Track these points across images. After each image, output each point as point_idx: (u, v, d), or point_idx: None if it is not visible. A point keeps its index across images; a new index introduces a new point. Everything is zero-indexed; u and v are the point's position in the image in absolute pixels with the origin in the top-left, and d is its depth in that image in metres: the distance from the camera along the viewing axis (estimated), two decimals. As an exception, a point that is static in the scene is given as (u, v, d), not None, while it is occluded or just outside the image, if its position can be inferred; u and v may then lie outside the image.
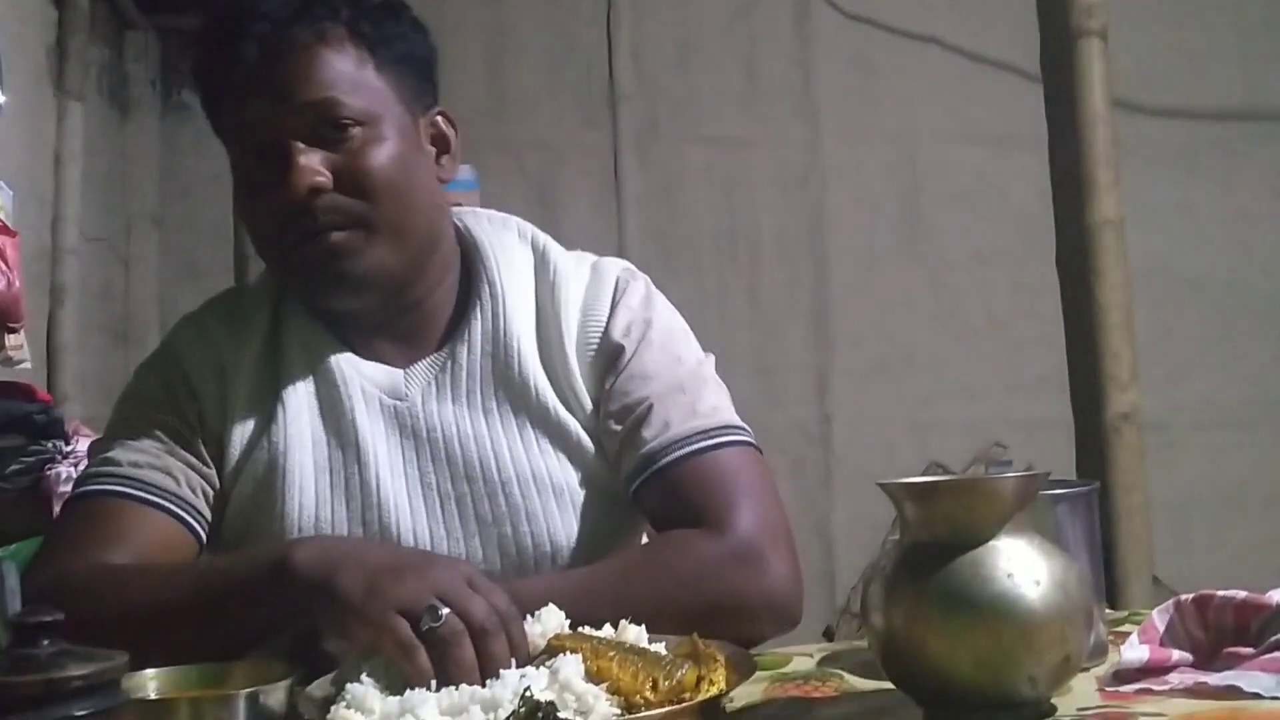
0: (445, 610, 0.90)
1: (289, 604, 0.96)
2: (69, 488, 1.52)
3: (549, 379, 1.21)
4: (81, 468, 1.25)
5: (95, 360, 3.36)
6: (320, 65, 1.13)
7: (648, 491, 1.16)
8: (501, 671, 0.89)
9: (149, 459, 1.17)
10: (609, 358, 1.22)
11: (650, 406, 1.18)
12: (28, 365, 2.72)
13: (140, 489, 1.15)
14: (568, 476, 1.18)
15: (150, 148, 3.82)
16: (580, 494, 1.18)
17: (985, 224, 3.75)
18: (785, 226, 3.80)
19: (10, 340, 2.61)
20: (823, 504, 3.65)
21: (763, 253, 3.80)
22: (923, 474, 1.14)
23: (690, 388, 1.21)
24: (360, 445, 1.17)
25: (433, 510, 1.16)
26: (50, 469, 2.39)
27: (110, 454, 1.18)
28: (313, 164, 1.12)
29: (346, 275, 1.14)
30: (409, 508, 1.16)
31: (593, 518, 1.18)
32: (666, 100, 3.83)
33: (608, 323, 1.23)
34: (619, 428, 1.19)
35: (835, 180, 3.81)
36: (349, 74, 1.14)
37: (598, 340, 1.23)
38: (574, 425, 1.20)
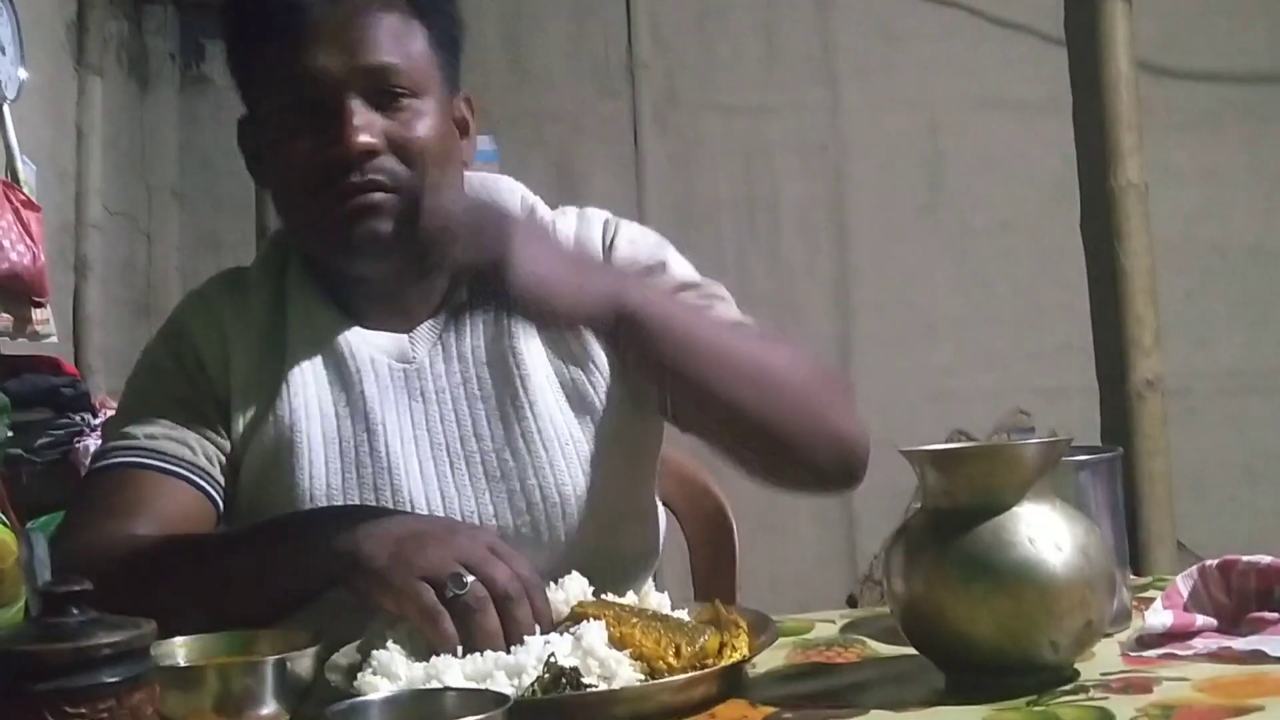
0: (470, 577, 0.91)
1: (314, 572, 0.97)
2: (96, 460, 1.54)
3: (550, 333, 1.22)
4: (102, 443, 1.26)
5: (119, 334, 3.38)
6: (386, 30, 1.14)
7: None
8: (525, 638, 0.90)
9: (164, 430, 1.18)
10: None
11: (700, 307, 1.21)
12: (54, 339, 2.75)
13: (158, 459, 1.16)
14: (573, 429, 1.19)
15: (170, 121, 3.83)
16: (587, 446, 1.19)
17: (1008, 190, 3.72)
18: (805, 195, 3.78)
19: (37, 314, 2.63)
20: (844, 472, 3.64)
21: (783, 221, 3.78)
22: (945, 441, 1.14)
23: (716, 294, 1.25)
24: (369, 414, 1.18)
25: (443, 472, 1.17)
26: (78, 441, 2.42)
27: (126, 428, 1.19)
28: (370, 124, 1.12)
29: (379, 235, 1.14)
30: (419, 472, 1.17)
31: (602, 469, 1.19)
32: (685, 69, 3.81)
33: (608, 255, 1.24)
34: None
35: (856, 147, 3.78)
36: (408, 45, 1.16)
37: None
38: (579, 376, 1.21)
